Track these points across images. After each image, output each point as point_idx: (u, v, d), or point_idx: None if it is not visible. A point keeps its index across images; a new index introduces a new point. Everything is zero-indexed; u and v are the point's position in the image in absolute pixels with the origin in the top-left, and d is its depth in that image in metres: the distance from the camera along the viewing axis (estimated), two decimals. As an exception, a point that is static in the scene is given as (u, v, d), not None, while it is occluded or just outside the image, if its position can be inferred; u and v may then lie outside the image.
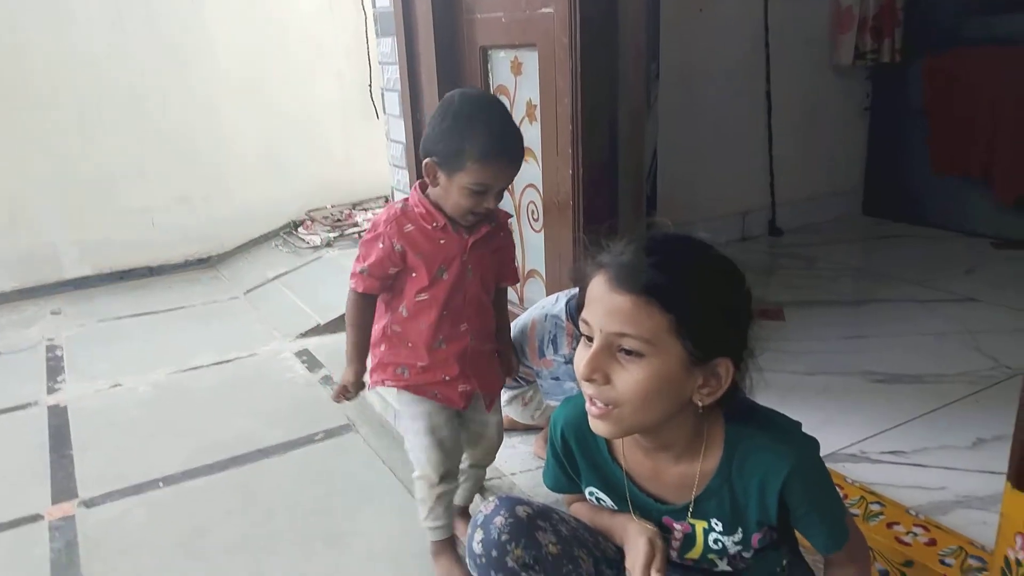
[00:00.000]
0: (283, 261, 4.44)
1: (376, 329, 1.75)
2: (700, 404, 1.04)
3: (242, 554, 1.98)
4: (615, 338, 1.00)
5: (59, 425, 2.74)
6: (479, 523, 1.19)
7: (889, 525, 1.60)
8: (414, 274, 1.65)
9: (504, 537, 1.16)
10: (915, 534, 1.56)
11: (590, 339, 1.03)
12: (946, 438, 2.00)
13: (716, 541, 1.14)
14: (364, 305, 1.71)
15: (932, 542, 1.53)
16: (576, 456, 1.23)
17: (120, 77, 4.26)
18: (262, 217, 4.85)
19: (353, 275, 1.68)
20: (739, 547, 1.13)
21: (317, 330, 3.50)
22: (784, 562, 1.20)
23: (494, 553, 1.15)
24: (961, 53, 3.71)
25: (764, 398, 1.19)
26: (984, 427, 2.02)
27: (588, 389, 1.04)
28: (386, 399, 2.54)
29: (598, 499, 1.24)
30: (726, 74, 3.71)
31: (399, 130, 3.09)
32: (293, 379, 3.05)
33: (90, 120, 4.23)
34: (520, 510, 1.19)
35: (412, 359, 1.71)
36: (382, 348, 1.74)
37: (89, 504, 2.25)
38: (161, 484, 2.33)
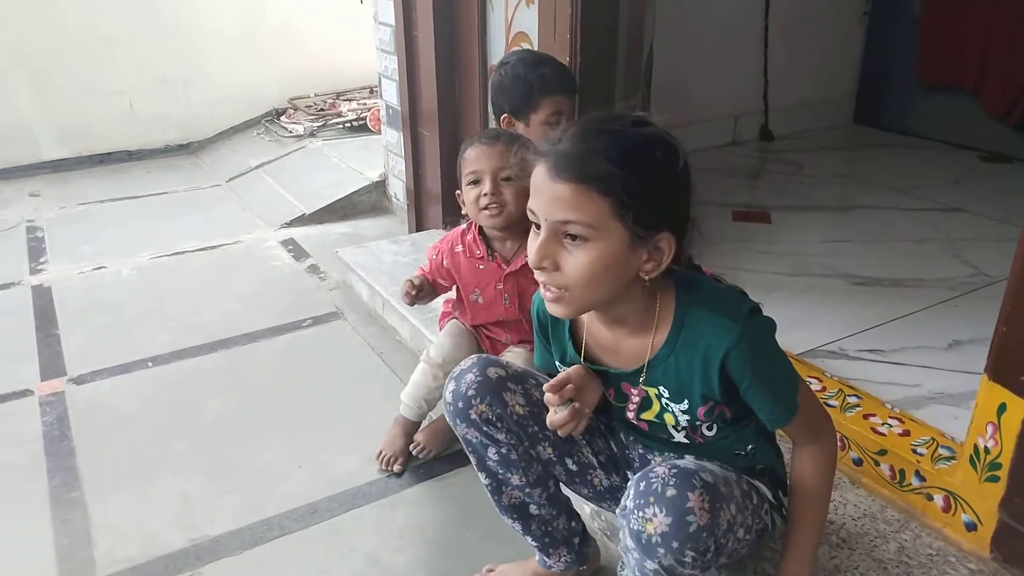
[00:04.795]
0: (265, 150, 4.36)
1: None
2: (646, 278, 1.07)
3: (231, 431, 2.02)
4: (560, 225, 1.03)
5: (44, 305, 2.73)
6: (455, 376, 1.29)
7: (865, 416, 1.66)
8: (456, 290, 1.88)
9: (471, 392, 1.26)
10: (890, 425, 1.62)
11: (539, 227, 1.06)
12: (923, 339, 2.05)
13: (667, 405, 1.18)
14: None
15: (906, 433, 1.59)
16: (549, 334, 1.29)
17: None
18: (243, 104, 4.72)
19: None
20: (687, 416, 1.17)
21: (302, 220, 3.47)
22: (750, 447, 1.24)
23: (460, 405, 1.27)
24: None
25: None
26: (961, 330, 2.07)
27: (540, 276, 1.08)
28: (374, 287, 2.55)
29: None
30: (725, -30, 3.60)
31: (388, 12, 2.98)
32: (279, 267, 3.04)
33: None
34: (492, 371, 1.28)
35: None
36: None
37: (78, 381, 2.26)
38: (150, 364, 2.35)
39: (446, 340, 1.89)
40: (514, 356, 1.80)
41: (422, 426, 1.94)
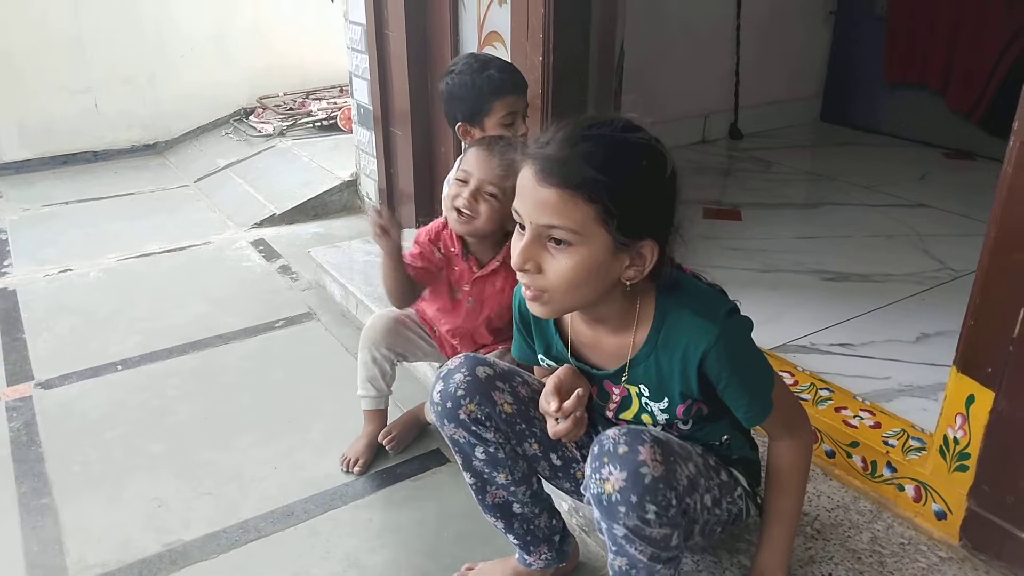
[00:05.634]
0: (234, 150, 4.30)
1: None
2: (627, 283, 1.08)
3: (204, 434, 2.00)
4: (544, 229, 1.03)
5: (8, 308, 2.68)
6: (442, 375, 1.29)
7: (837, 409, 1.68)
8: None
9: (460, 392, 1.25)
10: (861, 418, 1.65)
11: (523, 228, 1.06)
12: (892, 332, 2.09)
13: (646, 403, 1.20)
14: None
15: (877, 425, 1.62)
16: (531, 327, 1.29)
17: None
18: (211, 103, 4.66)
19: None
20: (665, 415, 1.19)
21: (272, 220, 3.44)
22: (724, 437, 1.26)
23: (449, 405, 1.26)
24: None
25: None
26: (928, 323, 2.11)
27: (522, 278, 1.08)
28: (347, 287, 2.54)
29: (548, 366, 1.30)
30: (696, -31, 3.63)
31: (358, 10, 2.97)
32: (250, 267, 3.01)
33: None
34: (480, 371, 1.27)
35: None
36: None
37: (46, 386, 2.22)
38: (119, 367, 2.31)
39: (375, 315, 1.91)
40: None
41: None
